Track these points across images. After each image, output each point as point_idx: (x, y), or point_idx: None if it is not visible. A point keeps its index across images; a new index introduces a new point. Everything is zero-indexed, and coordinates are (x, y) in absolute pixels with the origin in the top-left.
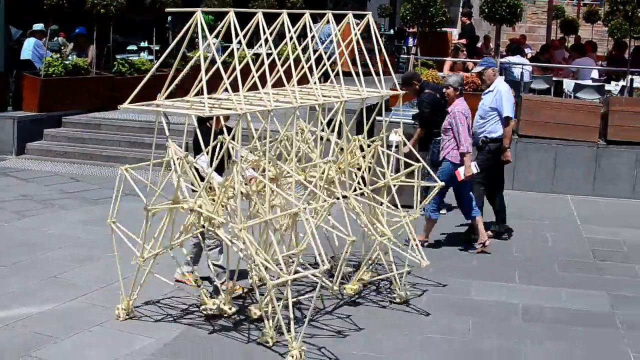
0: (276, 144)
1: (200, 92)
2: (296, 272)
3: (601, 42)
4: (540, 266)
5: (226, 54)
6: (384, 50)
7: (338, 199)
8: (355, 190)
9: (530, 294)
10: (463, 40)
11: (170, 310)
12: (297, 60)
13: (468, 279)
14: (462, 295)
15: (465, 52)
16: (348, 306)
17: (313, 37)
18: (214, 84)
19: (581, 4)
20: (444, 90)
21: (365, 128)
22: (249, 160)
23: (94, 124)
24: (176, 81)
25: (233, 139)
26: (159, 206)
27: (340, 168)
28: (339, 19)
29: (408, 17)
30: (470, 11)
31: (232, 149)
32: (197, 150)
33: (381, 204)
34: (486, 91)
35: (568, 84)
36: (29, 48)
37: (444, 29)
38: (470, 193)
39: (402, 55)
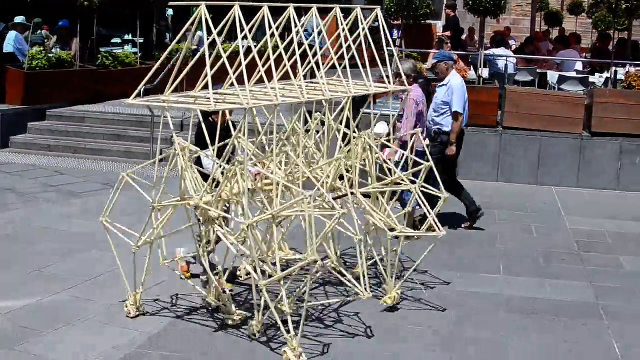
0: (283, 140)
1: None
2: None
3: (585, 35)
4: (524, 258)
5: (231, 49)
6: (391, 43)
7: (346, 195)
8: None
9: (515, 286)
10: (447, 33)
11: (156, 303)
12: (292, 55)
13: (452, 270)
14: (446, 287)
15: (449, 44)
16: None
17: (320, 32)
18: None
19: None
20: (397, 79)
21: (354, 122)
22: (258, 159)
23: (78, 117)
24: (160, 76)
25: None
26: (165, 203)
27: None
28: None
29: (393, 10)
30: (454, 3)
31: (239, 144)
32: (200, 145)
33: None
34: (440, 85)
35: (552, 76)
36: (10, 42)
37: (428, 22)
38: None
39: (387, 48)
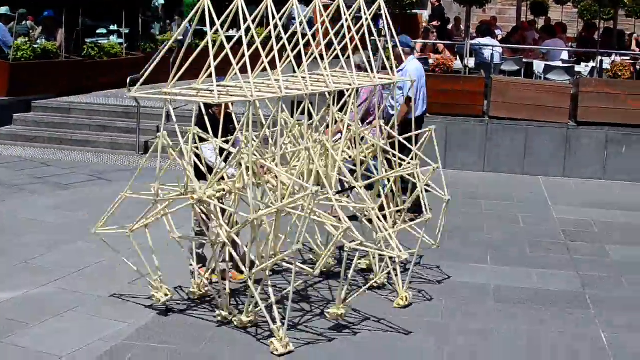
0: (287, 132)
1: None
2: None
3: (571, 24)
4: (511, 247)
5: (234, 39)
6: (395, 35)
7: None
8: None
9: (502, 275)
10: (433, 22)
11: (143, 295)
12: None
13: (439, 260)
14: (434, 277)
15: (435, 33)
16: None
17: (323, 22)
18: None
19: None
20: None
21: (357, 116)
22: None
23: (64, 108)
24: (147, 66)
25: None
26: (168, 197)
27: (350, 157)
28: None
29: None
30: None
31: (243, 137)
32: (200, 138)
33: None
34: (398, 70)
35: (538, 66)
36: None
37: (414, 11)
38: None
39: (372, 38)
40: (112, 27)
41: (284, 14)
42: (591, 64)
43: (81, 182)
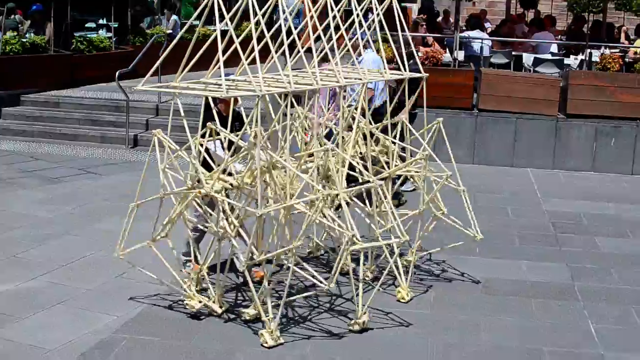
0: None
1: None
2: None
3: (560, 17)
4: (500, 239)
5: (244, 33)
6: (406, 29)
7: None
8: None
9: (491, 267)
10: (422, 15)
11: (131, 288)
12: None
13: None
14: (422, 268)
15: (424, 26)
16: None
17: (334, 16)
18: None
19: None
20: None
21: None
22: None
23: (53, 102)
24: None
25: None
26: (174, 191)
27: (362, 154)
28: None
29: None
30: None
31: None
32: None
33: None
34: (358, 61)
35: (527, 58)
36: None
37: (403, 4)
38: None
39: (402, 33)
40: (101, 21)
41: (293, 9)
42: (580, 57)
43: (70, 176)
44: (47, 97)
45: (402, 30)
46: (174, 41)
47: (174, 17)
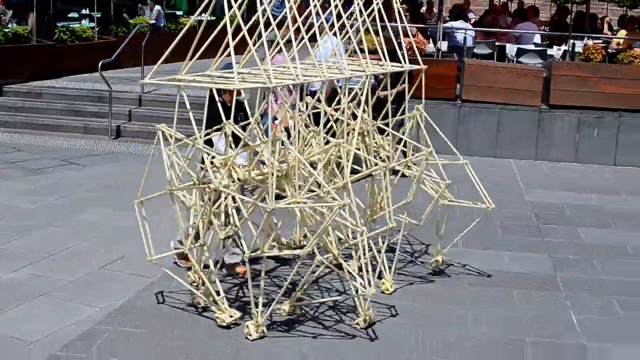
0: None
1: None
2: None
3: (544, 7)
4: (483, 230)
5: (250, 22)
6: (407, 22)
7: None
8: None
9: (474, 258)
10: (404, 5)
11: (114, 280)
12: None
13: (412, 243)
14: (406, 260)
15: (408, 16)
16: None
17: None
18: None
19: None
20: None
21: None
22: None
23: (35, 92)
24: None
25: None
26: (183, 186)
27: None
28: None
29: None
30: None
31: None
32: (210, 126)
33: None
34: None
35: (511, 49)
36: None
37: None
38: None
39: (401, 25)
40: (83, 11)
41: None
42: (563, 47)
43: (53, 167)
44: (29, 87)
45: (401, 20)
46: (183, 30)
47: (157, 7)
